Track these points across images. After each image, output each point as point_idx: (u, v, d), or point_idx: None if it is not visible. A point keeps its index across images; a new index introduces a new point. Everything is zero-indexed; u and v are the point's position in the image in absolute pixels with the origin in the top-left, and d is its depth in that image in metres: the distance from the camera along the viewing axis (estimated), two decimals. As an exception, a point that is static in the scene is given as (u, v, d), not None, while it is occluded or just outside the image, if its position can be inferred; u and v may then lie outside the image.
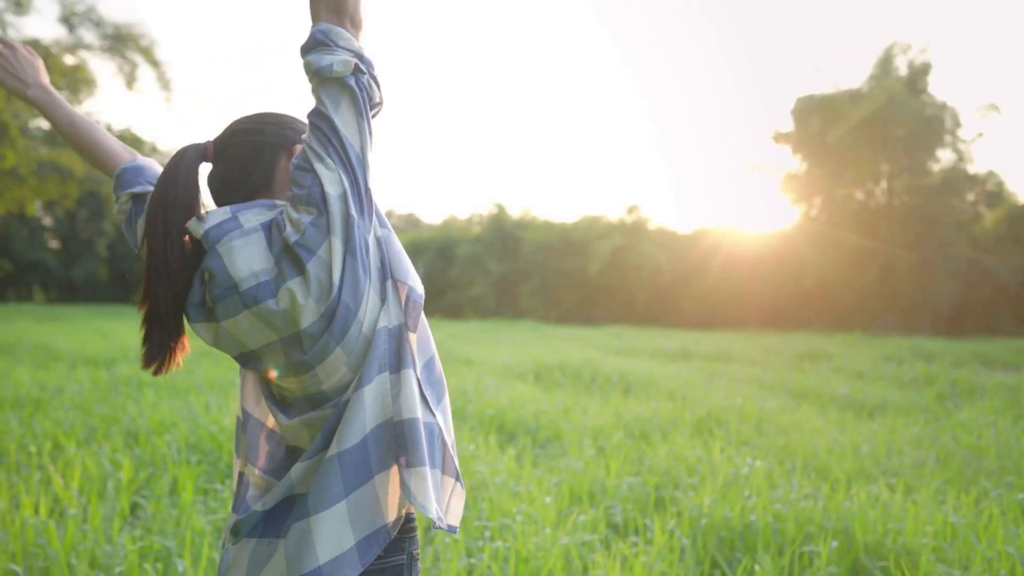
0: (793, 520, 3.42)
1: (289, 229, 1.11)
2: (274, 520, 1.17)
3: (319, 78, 1.11)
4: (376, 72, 1.16)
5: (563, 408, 6.33)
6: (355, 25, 1.15)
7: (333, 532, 1.10)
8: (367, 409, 1.12)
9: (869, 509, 3.49)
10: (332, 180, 1.10)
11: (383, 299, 1.16)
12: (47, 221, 43.33)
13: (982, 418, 6.53)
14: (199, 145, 1.26)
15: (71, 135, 1.49)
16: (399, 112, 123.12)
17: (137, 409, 5.58)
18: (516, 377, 8.66)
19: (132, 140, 32.80)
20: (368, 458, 1.12)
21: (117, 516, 3.21)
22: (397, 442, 1.14)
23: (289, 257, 1.10)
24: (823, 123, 25.63)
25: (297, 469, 1.14)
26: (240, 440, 1.27)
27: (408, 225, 72.23)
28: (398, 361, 1.15)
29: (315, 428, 1.17)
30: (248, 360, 1.19)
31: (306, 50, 1.13)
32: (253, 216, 1.16)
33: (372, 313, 1.14)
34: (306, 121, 1.28)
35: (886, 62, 25.80)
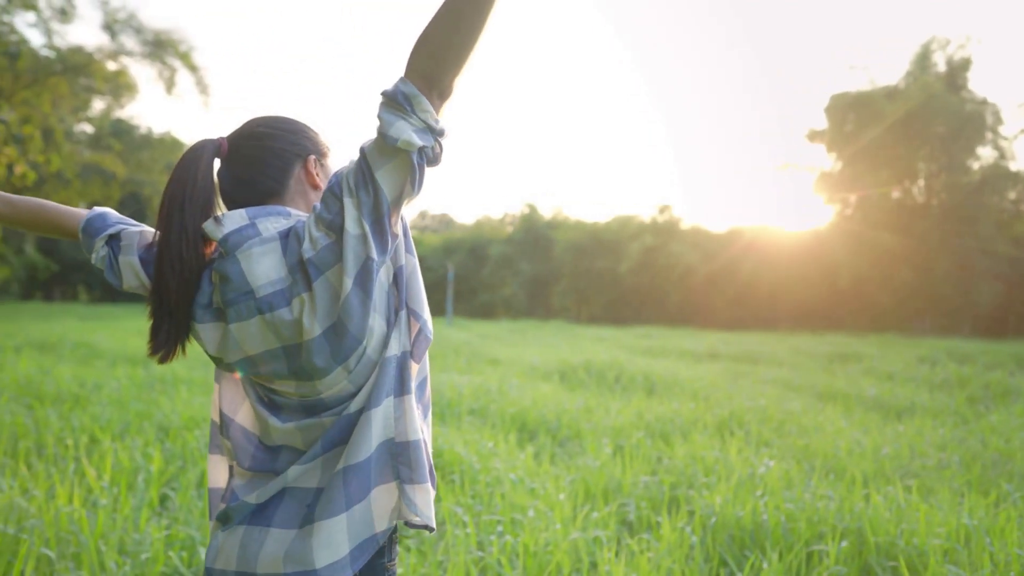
0: (805, 520, 3.44)
1: (307, 244, 1.15)
2: (264, 509, 1.23)
3: (383, 139, 1.11)
4: (444, 139, 1.16)
5: (585, 408, 6.38)
6: (443, 96, 1.14)
7: (333, 540, 1.18)
8: (373, 429, 1.19)
9: (883, 510, 3.49)
10: (354, 219, 1.13)
11: (391, 326, 1.21)
12: (91, 222, 44.48)
13: (1013, 421, 6.42)
14: (214, 141, 1.28)
15: (12, 216, 1.44)
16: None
17: (170, 405, 5.77)
18: (541, 377, 8.72)
19: (172, 143, 33.50)
20: (369, 474, 1.19)
21: (146, 506, 3.36)
22: (399, 461, 1.21)
23: (301, 271, 1.16)
24: (858, 121, 25.24)
25: (295, 471, 1.20)
26: (217, 440, 1.35)
27: (441, 225, 72.65)
28: (401, 387, 1.22)
29: (312, 433, 1.22)
30: (245, 365, 1.24)
31: (384, 104, 1.12)
32: (271, 224, 1.20)
33: (378, 340, 1.19)
34: (318, 134, 1.35)
35: (924, 58, 25.31)
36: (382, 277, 1.19)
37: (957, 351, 13.09)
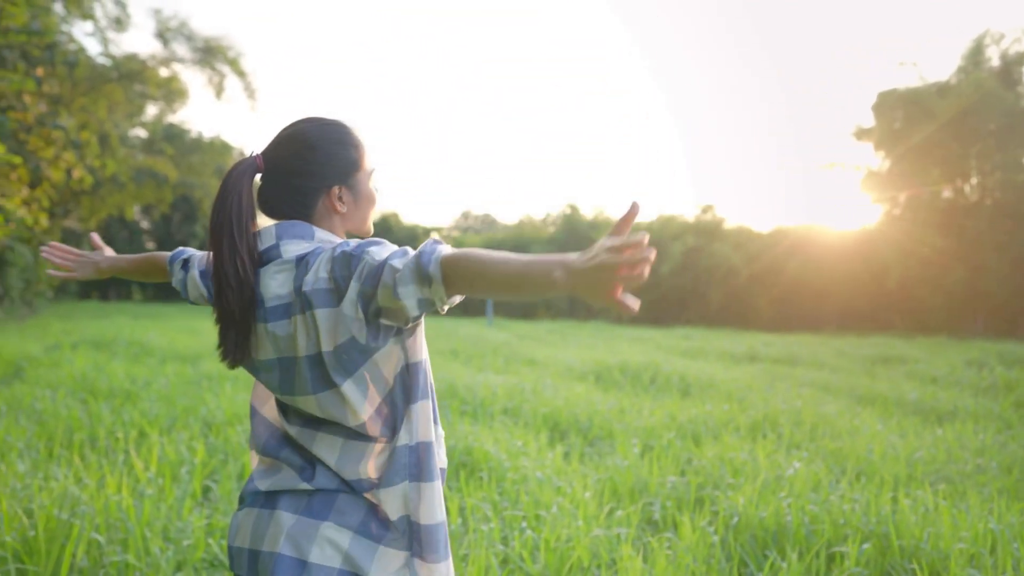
0: (829, 521, 3.45)
1: (310, 276, 1.24)
2: (271, 497, 1.35)
3: (391, 289, 1.16)
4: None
5: (618, 408, 6.43)
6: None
7: (330, 548, 1.27)
8: (390, 506, 1.31)
9: (909, 513, 3.48)
10: (352, 303, 1.20)
11: (382, 412, 1.30)
12: (144, 224, 45.93)
13: (1059, 426, 6.27)
14: (250, 160, 1.36)
15: (143, 271, 1.79)
16: (478, 113, 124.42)
17: (215, 401, 6.00)
18: (576, 377, 8.78)
19: (221, 147, 34.34)
20: (383, 536, 1.31)
21: (189, 497, 3.54)
22: (414, 538, 1.31)
23: (299, 296, 1.27)
24: (907, 118, 24.62)
25: (302, 484, 1.32)
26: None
27: (484, 225, 73.01)
28: (420, 472, 1.32)
29: (307, 443, 1.34)
30: (250, 367, 1.37)
31: (410, 265, 1.16)
32: (292, 247, 1.31)
33: (365, 411, 1.28)
34: (353, 144, 1.41)
35: (977, 53, 24.57)
36: (381, 364, 1.27)
37: (1008, 354, 12.71)
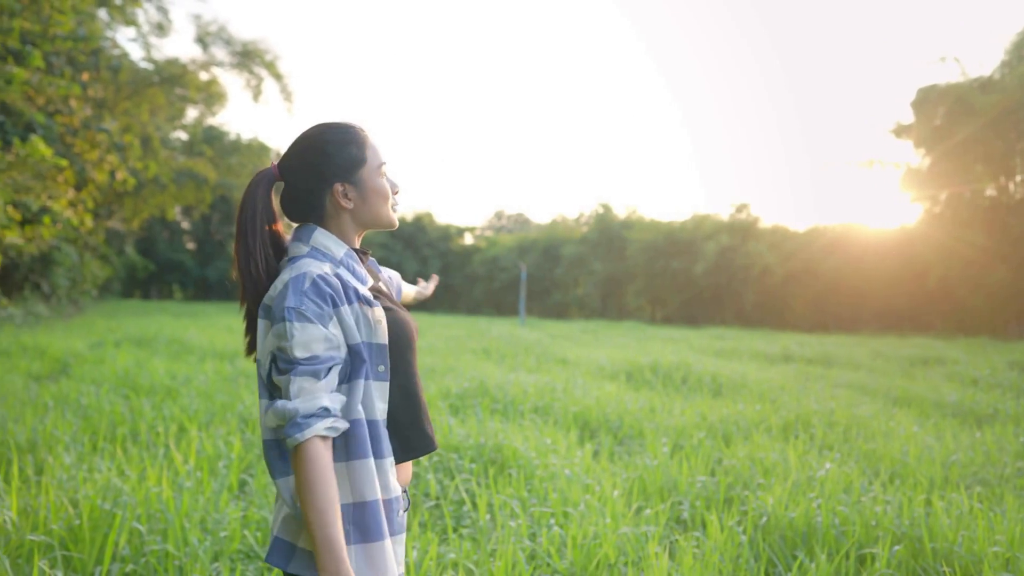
0: (860, 523, 3.43)
1: (272, 290, 1.39)
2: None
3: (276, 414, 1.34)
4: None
5: (648, 407, 6.43)
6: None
7: (285, 524, 1.41)
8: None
9: (944, 516, 3.44)
10: (264, 353, 1.40)
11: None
12: (185, 225, 46.90)
13: (1104, 430, 6.10)
14: (268, 171, 1.49)
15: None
16: (513, 113, 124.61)
17: (252, 398, 6.13)
18: (608, 377, 8.78)
19: (259, 148, 34.91)
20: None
21: (226, 490, 3.65)
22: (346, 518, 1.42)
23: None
24: (949, 115, 24.04)
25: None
26: None
27: (517, 225, 73.08)
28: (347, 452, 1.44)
29: None
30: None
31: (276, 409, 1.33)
32: (294, 250, 1.46)
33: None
34: (358, 143, 1.50)
35: (1021, 47, 23.90)
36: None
37: (1054, 356, 12.39)
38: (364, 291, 1.45)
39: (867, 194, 39.96)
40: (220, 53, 25.19)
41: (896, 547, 3.18)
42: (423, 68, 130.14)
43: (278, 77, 25.88)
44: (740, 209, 30.79)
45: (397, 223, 1.58)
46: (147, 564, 2.84)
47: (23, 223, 14.74)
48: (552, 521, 3.40)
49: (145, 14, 23.90)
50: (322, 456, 1.29)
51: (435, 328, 17.90)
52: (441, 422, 5.13)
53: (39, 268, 19.89)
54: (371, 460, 1.38)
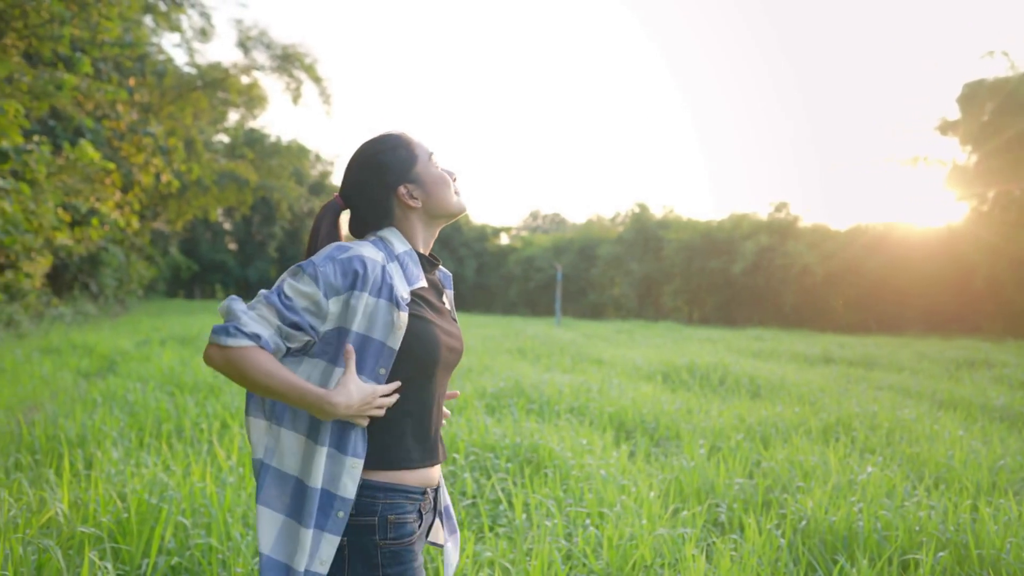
0: (903, 528, 3.37)
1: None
2: None
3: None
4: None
5: (685, 409, 6.38)
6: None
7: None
8: None
9: (991, 522, 3.36)
10: None
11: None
12: (227, 226, 47.79)
13: None
14: (332, 203, 1.56)
15: None
16: (549, 113, 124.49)
17: (291, 396, 6.24)
18: (644, 377, 8.73)
19: (298, 150, 35.44)
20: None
21: (267, 486, 3.72)
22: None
23: None
24: (998, 110, 23.33)
25: None
26: None
27: (553, 225, 72.99)
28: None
29: None
30: None
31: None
32: (355, 246, 1.50)
33: None
34: (409, 143, 1.56)
35: (1075, 39, 23.09)
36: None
37: (1108, 359, 11.97)
38: (402, 291, 1.46)
39: (911, 192, 38.92)
40: (261, 57, 25.65)
41: (940, 553, 3.12)
42: (460, 69, 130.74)
43: (317, 80, 26.24)
44: (779, 208, 30.32)
45: (466, 207, 1.62)
46: (191, 557, 2.92)
47: (73, 224, 15.20)
48: (588, 521, 3.40)
49: (189, 20, 24.43)
50: (259, 357, 1.35)
51: (471, 328, 17.99)
52: (477, 421, 5.16)
53: (88, 268, 20.47)
54: (325, 449, 1.42)
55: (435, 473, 1.56)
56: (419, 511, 1.50)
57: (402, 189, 1.52)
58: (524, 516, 3.47)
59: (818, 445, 5.14)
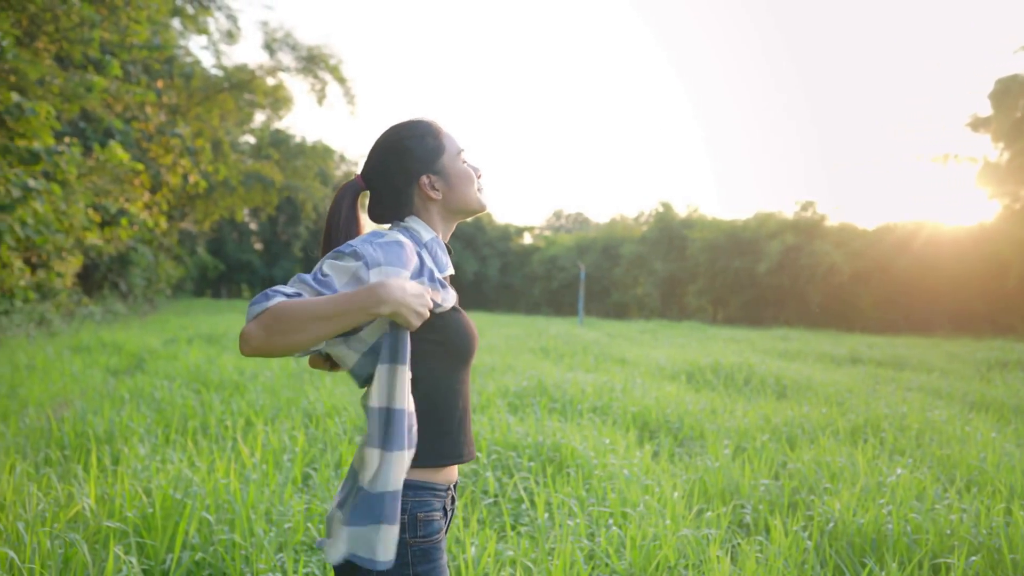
0: (933, 531, 3.29)
1: None
2: None
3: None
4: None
5: (709, 409, 6.31)
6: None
7: None
8: None
9: (1025, 526, 3.27)
10: None
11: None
12: (253, 226, 48.29)
13: None
14: (352, 183, 1.51)
15: None
16: (572, 112, 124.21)
17: (316, 394, 6.28)
18: (667, 377, 8.66)
19: (323, 151, 35.68)
20: None
21: (290, 483, 3.74)
22: None
23: None
24: (1031, 106, 22.88)
25: None
26: None
27: (576, 225, 72.84)
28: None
29: None
30: None
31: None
32: (388, 233, 1.46)
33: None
34: (436, 134, 1.52)
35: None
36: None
37: None
38: (439, 275, 1.45)
39: (941, 190, 38.28)
40: (286, 58, 25.88)
41: (973, 558, 3.05)
42: (484, 69, 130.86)
43: (342, 81, 26.42)
44: (806, 207, 29.97)
45: (487, 205, 1.58)
46: (215, 553, 2.94)
47: (102, 225, 15.45)
48: (611, 521, 3.37)
49: (215, 22, 24.75)
50: (294, 301, 1.26)
51: (494, 327, 17.99)
52: (499, 420, 5.15)
53: (117, 268, 20.79)
54: (406, 452, 1.34)
55: (456, 470, 1.54)
56: (444, 508, 1.49)
57: (425, 179, 1.49)
58: (546, 515, 3.45)
59: (846, 446, 5.05)
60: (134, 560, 2.71)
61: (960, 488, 4.16)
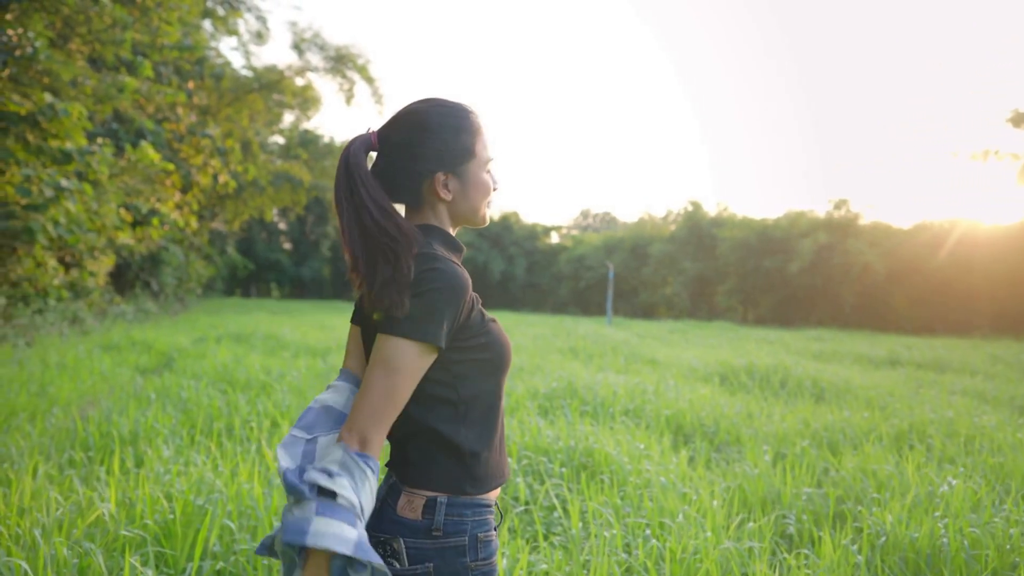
0: (994, 547, 3.09)
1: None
2: None
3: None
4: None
5: (745, 412, 6.11)
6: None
7: None
8: None
9: (1093, 543, 3.05)
10: None
11: None
12: (282, 226, 48.73)
13: None
14: (364, 137, 1.33)
15: None
16: (600, 111, 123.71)
17: (342, 395, 6.18)
18: (700, 379, 8.46)
19: (350, 150, 35.75)
20: None
21: (315, 488, 3.63)
22: None
23: None
24: (1077, 100, 22.15)
25: None
26: None
27: (604, 224, 72.47)
28: None
29: None
30: None
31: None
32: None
33: None
34: (466, 131, 1.35)
35: None
36: None
37: None
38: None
39: (980, 188, 37.32)
40: (315, 59, 25.99)
41: (1039, 577, 2.84)
42: (513, 69, 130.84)
43: (370, 81, 26.46)
44: (839, 205, 29.38)
45: (487, 223, 1.44)
46: (236, 562, 2.83)
47: (134, 224, 15.60)
48: (648, 532, 3.21)
49: (245, 23, 24.92)
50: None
51: (521, 327, 17.85)
52: (529, 423, 5.00)
53: (148, 267, 21.01)
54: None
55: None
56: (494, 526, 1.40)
57: (441, 176, 1.32)
58: (580, 525, 3.30)
59: (891, 453, 4.83)
60: (151, 573, 2.61)
61: (1017, 499, 3.93)
